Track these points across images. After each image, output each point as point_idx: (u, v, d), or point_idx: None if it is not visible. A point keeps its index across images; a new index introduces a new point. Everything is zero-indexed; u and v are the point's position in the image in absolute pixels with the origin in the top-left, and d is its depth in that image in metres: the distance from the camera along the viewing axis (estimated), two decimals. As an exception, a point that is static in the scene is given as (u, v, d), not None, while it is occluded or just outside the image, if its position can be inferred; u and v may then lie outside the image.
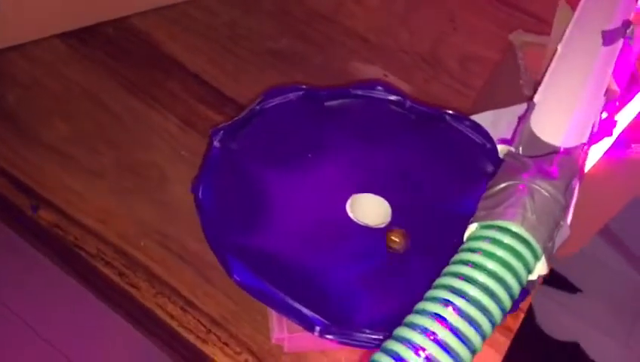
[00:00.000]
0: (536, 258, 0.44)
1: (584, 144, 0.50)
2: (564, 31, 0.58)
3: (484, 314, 0.41)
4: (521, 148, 0.51)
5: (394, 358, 0.40)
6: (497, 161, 0.60)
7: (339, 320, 0.50)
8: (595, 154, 0.58)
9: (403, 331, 0.41)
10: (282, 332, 0.56)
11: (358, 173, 0.60)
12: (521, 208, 0.44)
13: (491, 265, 0.42)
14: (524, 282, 0.44)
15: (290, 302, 0.50)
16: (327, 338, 0.49)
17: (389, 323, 0.49)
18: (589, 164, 0.57)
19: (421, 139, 0.62)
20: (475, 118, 0.63)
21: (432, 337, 0.40)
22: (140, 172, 0.68)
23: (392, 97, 0.64)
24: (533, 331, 1.50)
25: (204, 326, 0.60)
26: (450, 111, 0.63)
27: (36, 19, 0.74)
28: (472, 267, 0.43)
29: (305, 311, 0.49)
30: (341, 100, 0.63)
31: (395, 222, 0.57)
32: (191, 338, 0.59)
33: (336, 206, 0.57)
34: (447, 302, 0.41)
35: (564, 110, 0.53)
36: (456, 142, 0.62)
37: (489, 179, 0.58)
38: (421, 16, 0.87)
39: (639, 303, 1.60)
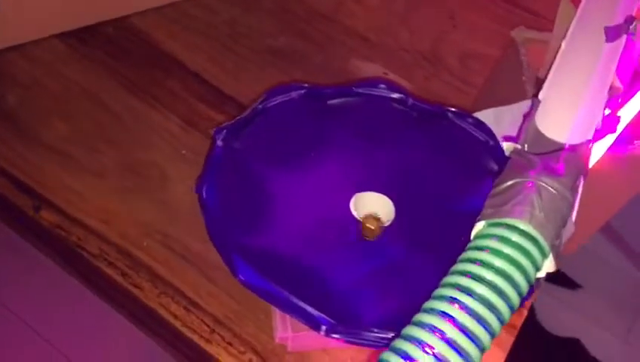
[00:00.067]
0: (544, 256, 0.44)
1: (589, 141, 0.50)
2: (567, 27, 0.58)
3: (493, 313, 0.41)
4: (526, 146, 0.51)
5: (402, 357, 0.40)
6: (500, 159, 0.60)
7: (343, 318, 0.50)
8: (598, 150, 0.58)
9: (411, 330, 0.41)
10: (286, 331, 0.56)
11: (361, 172, 0.60)
12: (528, 206, 0.44)
13: (499, 263, 0.42)
14: (533, 280, 0.43)
15: (296, 301, 0.50)
16: (333, 338, 0.49)
17: (394, 321, 0.49)
18: (592, 161, 0.57)
19: (424, 136, 0.62)
20: (478, 115, 0.63)
21: (440, 335, 0.40)
22: (141, 172, 0.68)
23: (395, 95, 0.64)
24: (533, 327, 1.50)
25: (208, 326, 0.60)
26: (453, 109, 0.63)
27: (36, 19, 0.74)
28: (479, 265, 0.42)
29: (311, 310, 0.49)
30: (343, 98, 0.63)
31: (399, 220, 0.57)
32: (195, 338, 0.59)
33: (339, 204, 0.57)
34: (455, 301, 0.41)
35: (569, 107, 0.52)
36: (459, 140, 0.62)
37: (492, 177, 0.58)
38: (421, 15, 0.87)
39: (639, 299, 1.60)
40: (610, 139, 0.58)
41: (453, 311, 0.40)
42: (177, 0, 0.82)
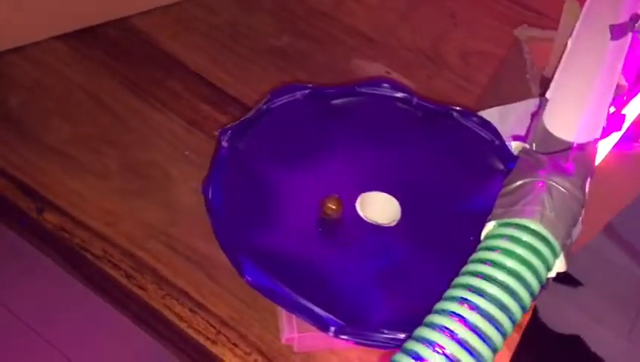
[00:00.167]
0: (556, 255, 0.44)
1: (597, 139, 0.50)
2: (572, 26, 0.58)
3: (505, 313, 0.41)
4: (534, 145, 0.51)
5: (414, 358, 0.39)
6: (506, 158, 0.60)
7: (351, 319, 0.50)
8: (603, 148, 0.58)
9: (422, 331, 0.41)
10: (292, 331, 0.56)
11: (367, 172, 0.60)
12: (539, 205, 0.44)
13: (510, 263, 0.42)
14: (544, 280, 0.43)
15: (304, 302, 0.49)
16: (341, 339, 0.49)
17: (401, 321, 0.49)
18: (597, 159, 0.56)
19: (429, 136, 0.62)
20: (483, 114, 0.62)
21: (452, 336, 0.39)
22: (144, 173, 0.68)
23: (399, 94, 0.64)
24: (535, 324, 1.50)
25: (214, 327, 0.60)
26: (458, 108, 0.63)
27: (37, 21, 0.74)
28: (490, 265, 0.42)
29: (319, 311, 0.49)
30: (348, 98, 0.63)
31: (405, 220, 0.57)
32: (200, 339, 0.59)
33: (345, 204, 0.57)
34: (466, 301, 0.41)
35: (576, 106, 0.52)
36: (465, 139, 0.62)
37: (498, 176, 0.58)
38: (421, 13, 0.87)
39: (641, 298, 1.61)
40: (615, 137, 0.58)
41: (465, 311, 0.40)
42: (178, 0, 0.82)
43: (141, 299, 0.61)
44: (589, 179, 0.49)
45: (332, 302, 0.51)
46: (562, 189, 0.45)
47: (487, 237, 0.45)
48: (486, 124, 0.62)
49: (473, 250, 0.47)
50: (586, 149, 0.49)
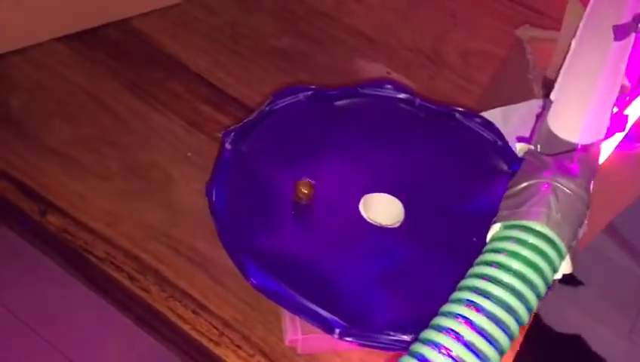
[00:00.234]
0: (562, 257, 0.44)
1: (600, 140, 0.50)
2: (575, 26, 0.58)
3: (511, 315, 0.41)
4: (539, 146, 0.51)
5: (420, 360, 0.39)
6: (509, 159, 0.60)
7: (355, 321, 0.50)
8: (606, 149, 0.58)
9: (429, 333, 0.41)
10: (296, 333, 0.56)
11: (370, 173, 0.59)
12: (545, 207, 0.44)
13: (516, 265, 0.42)
14: (550, 281, 0.43)
15: (309, 304, 0.49)
16: (346, 341, 0.49)
17: (406, 323, 0.49)
18: (600, 160, 0.56)
19: (432, 137, 0.62)
20: (485, 114, 0.62)
21: (458, 338, 0.39)
22: (146, 174, 0.68)
23: (401, 95, 0.64)
24: (535, 324, 1.50)
25: (217, 329, 0.59)
26: (460, 109, 0.63)
27: (37, 22, 0.74)
28: (496, 268, 0.42)
29: (324, 313, 0.49)
30: (350, 99, 0.63)
31: (408, 221, 0.57)
32: (203, 341, 0.59)
33: (349, 206, 0.57)
34: (472, 304, 0.41)
35: (580, 107, 0.52)
36: (468, 140, 0.62)
37: (501, 177, 0.58)
38: (422, 13, 0.87)
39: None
40: (618, 137, 0.58)
41: (471, 313, 0.40)
42: (178, 2, 0.81)
43: (144, 301, 0.60)
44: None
45: (336, 303, 0.51)
46: (568, 191, 0.45)
47: (493, 239, 0.45)
48: (489, 125, 0.62)
49: (477, 250, 0.47)
50: (590, 150, 0.49)
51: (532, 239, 0.43)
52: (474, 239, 0.52)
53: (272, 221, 0.55)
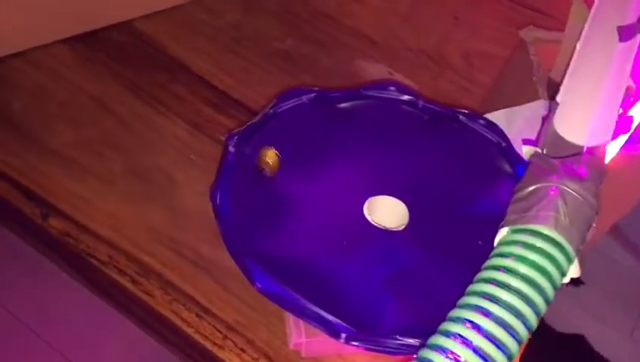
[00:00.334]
0: (570, 261, 0.44)
1: (607, 142, 0.50)
2: (579, 27, 0.57)
3: (519, 319, 0.41)
4: (545, 149, 0.51)
5: (428, 366, 0.39)
6: (514, 160, 0.60)
7: (360, 325, 0.50)
8: (611, 150, 0.58)
9: (437, 339, 0.41)
10: (300, 337, 0.56)
11: (374, 175, 0.59)
12: (553, 211, 0.44)
13: (524, 269, 0.42)
14: (559, 286, 0.43)
15: (315, 309, 0.49)
16: (352, 346, 0.49)
17: (412, 326, 0.49)
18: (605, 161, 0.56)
19: (435, 139, 0.62)
20: (489, 116, 0.62)
21: (467, 344, 0.39)
22: (148, 177, 0.68)
23: (405, 97, 0.63)
24: (538, 324, 1.50)
25: (221, 332, 0.59)
26: (464, 111, 0.63)
27: (39, 25, 0.74)
28: (504, 272, 0.42)
29: (330, 317, 0.49)
30: (354, 102, 0.63)
31: (412, 223, 0.57)
32: (207, 344, 0.59)
33: (353, 209, 0.57)
34: (480, 309, 0.41)
35: (587, 109, 0.52)
36: (472, 142, 0.62)
37: (506, 179, 0.57)
38: (424, 14, 0.87)
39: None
40: (622, 138, 0.58)
41: (479, 318, 0.40)
42: (181, 3, 0.81)
43: (147, 305, 0.60)
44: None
45: (341, 307, 0.50)
46: (576, 194, 0.44)
47: (501, 243, 0.45)
48: (492, 127, 0.62)
49: (482, 252, 0.47)
50: (597, 153, 0.49)
51: (540, 243, 0.43)
52: (479, 243, 0.52)
53: (276, 224, 0.55)
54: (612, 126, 0.51)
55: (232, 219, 0.53)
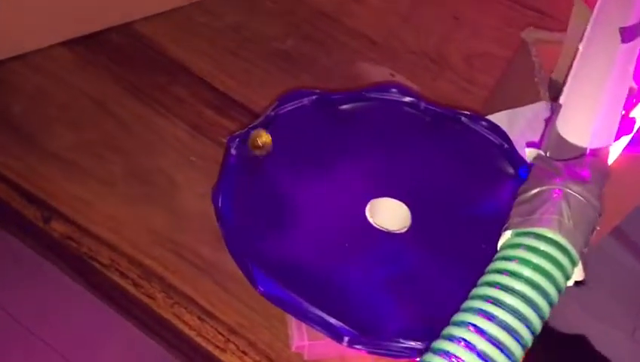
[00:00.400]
0: (574, 264, 0.43)
1: (610, 144, 0.50)
2: (581, 28, 0.57)
3: (523, 323, 0.40)
4: (548, 152, 0.51)
5: (433, 370, 0.39)
6: (516, 162, 0.60)
7: (363, 328, 0.50)
8: (614, 152, 0.58)
9: (440, 343, 0.41)
10: (302, 339, 0.55)
11: (376, 178, 0.59)
12: (557, 214, 0.43)
13: (528, 272, 0.42)
14: (563, 289, 0.43)
15: (318, 312, 0.49)
16: (355, 349, 0.48)
17: (415, 330, 0.49)
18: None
19: (438, 141, 0.62)
20: (491, 117, 0.62)
21: (471, 348, 0.39)
22: (149, 179, 0.68)
23: (407, 99, 0.63)
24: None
25: (223, 335, 0.59)
26: (466, 112, 0.63)
27: (39, 27, 0.73)
28: (508, 276, 0.42)
29: (333, 321, 0.49)
30: (355, 104, 0.63)
31: (415, 226, 0.57)
32: (210, 347, 0.59)
33: (355, 211, 0.56)
34: (484, 313, 0.41)
35: (590, 111, 0.52)
36: (474, 144, 0.62)
37: (508, 180, 0.57)
38: (425, 15, 0.87)
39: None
40: (624, 140, 0.58)
41: (483, 322, 0.40)
42: (181, 5, 0.81)
43: (149, 308, 0.60)
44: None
45: (344, 310, 0.50)
46: (580, 197, 0.44)
47: (504, 246, 0.45)
48: (495, 128, 0.62)
49: (485, 255, 0.47)
50: (601, 155, 0.48)
51: (544, 246, 0.43)
52: (482, 245, 0.52)
53: (278, 227, 0.55)
54: (615, 127, 0.51)
55: (234, 222, 0.53)
